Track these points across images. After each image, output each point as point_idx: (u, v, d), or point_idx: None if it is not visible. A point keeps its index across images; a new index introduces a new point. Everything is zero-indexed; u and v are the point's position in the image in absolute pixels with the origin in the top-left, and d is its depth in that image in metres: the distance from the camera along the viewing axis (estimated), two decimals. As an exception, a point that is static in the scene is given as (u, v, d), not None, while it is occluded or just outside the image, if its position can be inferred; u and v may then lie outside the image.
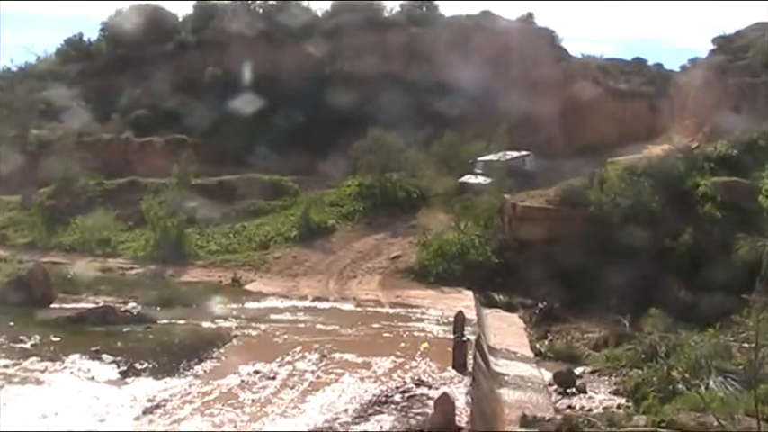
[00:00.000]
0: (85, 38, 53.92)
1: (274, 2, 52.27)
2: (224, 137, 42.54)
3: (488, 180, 36.65)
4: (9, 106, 45.70)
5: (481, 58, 44.47)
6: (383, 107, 41.73)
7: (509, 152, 40.06)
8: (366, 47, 47.81)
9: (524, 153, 40.63)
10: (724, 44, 43.13)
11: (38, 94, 46.28)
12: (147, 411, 14.94)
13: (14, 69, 52.70)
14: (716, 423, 14.13)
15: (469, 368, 17.39)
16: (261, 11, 52.18)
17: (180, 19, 53.27)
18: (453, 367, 17.21)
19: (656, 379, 18.54)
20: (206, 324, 22.17)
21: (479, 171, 38.91)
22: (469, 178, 38.66)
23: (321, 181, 40.31)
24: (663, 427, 15.97)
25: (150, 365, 17.68)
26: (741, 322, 20.49)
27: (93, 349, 18.46)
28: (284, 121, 43.31)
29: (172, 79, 46.73)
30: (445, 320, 22.05)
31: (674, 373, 18.00)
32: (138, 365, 17.64)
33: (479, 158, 39.73)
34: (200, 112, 43.78)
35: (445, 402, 13.55)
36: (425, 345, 19.52)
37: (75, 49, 52.87)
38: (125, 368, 17.48)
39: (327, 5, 53.35)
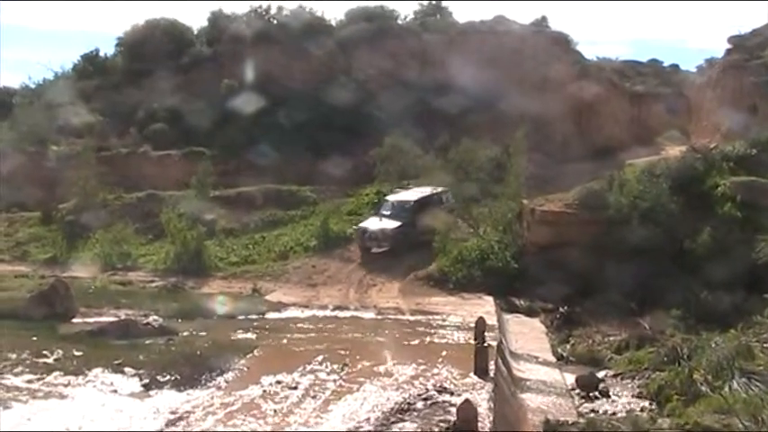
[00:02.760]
0: (102, 53, 54.29)
1: (288, 13, 52.38)
2: (238, 148, 42.67)
3: (395, 224, 33.10)
4: (28, 123, 46.13)
5: (494, 62, 44.41)
6: (395, 114, 41.64)
7: (423, 189, 35.47)
8: (379, 55, 47.85)
9: (440, 189, 35.04)
10: (740, 43, 42.86)
11: (56, 110, 46.63)
12: (169, 423, 14.99)
13: (32, 86, 53.31)
14: (740, 425, 14.03)
15: (491, 374, 17.35)
16: (275, 21, 52.29)
17: (195, 32, 53.50)
18: (475, 373, 17.17)
19: (678, 381, 18.44)
20: (227, 335, 22.23)
21: (387, 213, 34.03)
22: (371, 223, 33.92)
23: (339, 189, 40.41)
24: (687, 430, 15.89)
25: (172, 378, 17.75)
26: (763, 323, 20.45)
27: (115, 362, 18.55)
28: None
29: (187, 92, 46.94)
30: (466, 327, 22.02)
31: (697, 376, 17.89)
32: (160, 378, 17.71)
33: (388, 197, 35.70)
34: (215, 124, 43.99)
35: (467, 409, 13.51)
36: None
37: (91, 64, 53.18)
38: (147, 381, 17.55)
39: (341, 14, 53.60)
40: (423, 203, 33.98)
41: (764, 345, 19.22)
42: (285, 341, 22.09)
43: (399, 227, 32.84)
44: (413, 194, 35.33)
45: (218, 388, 17.31)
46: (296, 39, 49.15)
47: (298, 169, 41.31)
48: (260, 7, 52.56)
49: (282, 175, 41.01)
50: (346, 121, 43.37)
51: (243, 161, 42.60)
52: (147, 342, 21.21)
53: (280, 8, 52.69)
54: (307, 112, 44.49)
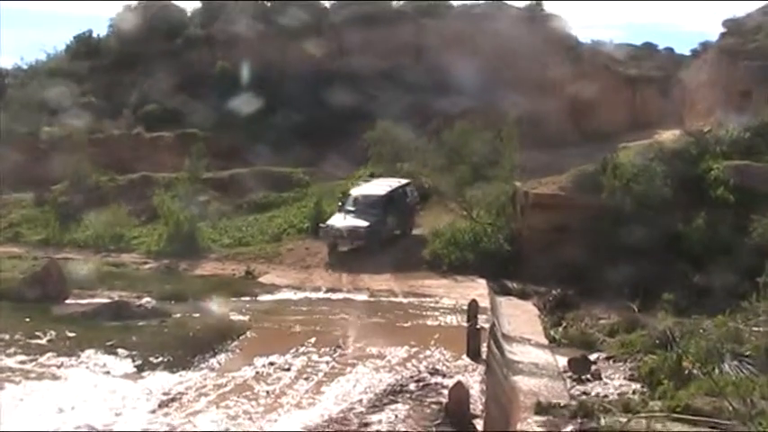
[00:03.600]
0: (95, 35, 54.00)
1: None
2: (232, 131, 42.50)
3: (361, 223, 31.22)
4: (20, 104, 45.95)
5: (488, 48, 44.25)
6: (386, 103, 41.40)
7: (388, 181, 34.53)
8: (373, 41, 47.60)
9: (404, 182, 34.08)
10: (734, 27, 42.80)
11: (48, 91, 46.45)
12: (162, 404, 15.04)
13: (25, 67, 53.07)
14: (730, 407, 14.10)
15: (484, 356, 17.42)
16: (269, 4, 52.04)
17: (188, 15, 53.25)
18: (468, 355, 17.25)
19: (669, 365, 18.54)
20: (220, 317, 22.25)
21: (352, 208, 32.03)
22: (337, 220, 31.78)
23: (330, 172, 40.35)
24: (678, 412, 15.97)
25: (165, 359, 17.79)
26: (753, 308, 20.52)
27: (108, 344, 18.59)
28: (284, 119, 43.18)
29: (181, 74, 46.78)
30: (459, 309, 22.07)
31: (686, 360, 17.97)
32: (153, 359, 17.75)
33: (351, 192, 33.56)
34: (208, 106, 43.83)
35: (460, 391, 13.58)
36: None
37: (84, 46, 52.88)
38: (140, 362, 17.59)
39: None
40: (390, 198, 32.65)
41: (754, 329, 19.28)
42: (278, 323, 22.12)
43: (370, 225, 31.14)
44: (378, 188, 33.67)
45: (211, 369, 17.36)
46: (289, 21, 48.87)
47: (294, 154, 41.11)
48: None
49: (277, 157, 40.85)
50: (340, 108, 43.13)
51: (236, 143, 42.37)
52: (140, 324, 21.24)
53: (273, -11, 52.37)
54: (301, 95, 44.29)
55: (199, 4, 53.51)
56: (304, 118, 42.50)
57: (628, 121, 45.67)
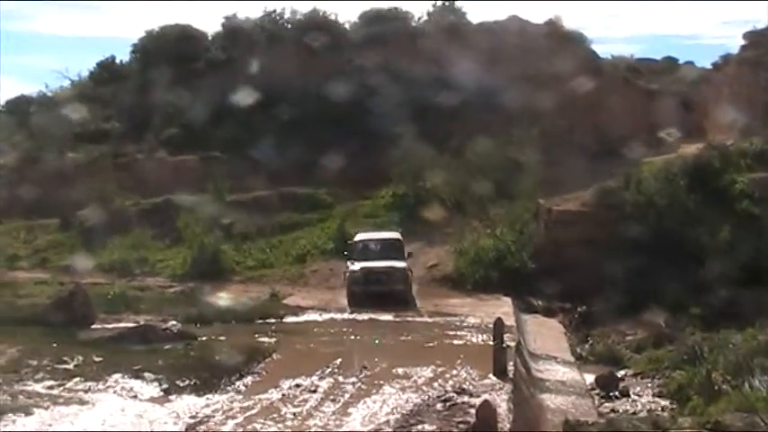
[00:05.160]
0: (117, 60, 54.51)
1: (302, 17, 52.35)
2: (250, 149, 42.56)
3: (397, 264, 27.82)
4: (45, 130, 46.36)
5: (505, 61, 44.20)
6: (401, 116, 41.37)
7: (385, 231, 31.68)
8: (392, 59, 47.64)
9: (394, 235, 30.13)
10: (755, 39, 42.61)
11: (72, 117, 46.85)
12: (190, 428, 15.01)
13: (50, 94, 53.54)
14: (762, 423, 13.97)
15: (510, 374, 17.33)
16: (289, 26, 52.29)
17: (209, 37, 53.59)
18: (494, 374, 17.15)
19: (698, 380, 18.39)
20: (246, 339, 22.27)
21: (369, 253, 28.79)
22: (361, 265, 27.96)
23: (354, 191, 40.38)
24: (708, 429, 15.82)
25: (192, 382, 17.78)
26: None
27: (135, 368, 18.59)
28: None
29: (203, 97, 47.00)
30: (484, 328, 21.99)
31: (715, 374, 17.83)
32: (179, 383, 17.74)
33: (357, 238, 30.16)
34: (231, 127, 44.08)
35: (487, 410, 13.49)
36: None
37: (107, 71, 53.38)
38: (167, 386, 17.58)
39: (354, 16, 53.42)
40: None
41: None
42: (304, 345, 22.12)
43: (406, 267, 28.12)
44: (388, 234, 30.67)
45: (238, 392, 17.34)
46: (310, 43, 49.07)
47: (311, 172, 41.15)
48: (274, 11, 52.56)
49: (294, 177, 40.90)
50: (358, 122, 43.14)
51: (252, 163, 42.41)
52: (167, 347, 21.24)
53: (294, 11, 52.65)
54: (319, 114, 44.40)
55: (219, 27, 53.83)
56: (322, 136, 42.54)
57: (648, 134, 45.48)
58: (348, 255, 29.18)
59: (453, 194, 36.20)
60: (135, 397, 17.06)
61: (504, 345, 18.02)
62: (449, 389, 16.49)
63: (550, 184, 33.56)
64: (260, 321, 25.36)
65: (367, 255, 28.63)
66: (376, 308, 26.09)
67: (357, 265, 27.98)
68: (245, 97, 45.15)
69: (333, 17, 52.34)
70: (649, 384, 20.71)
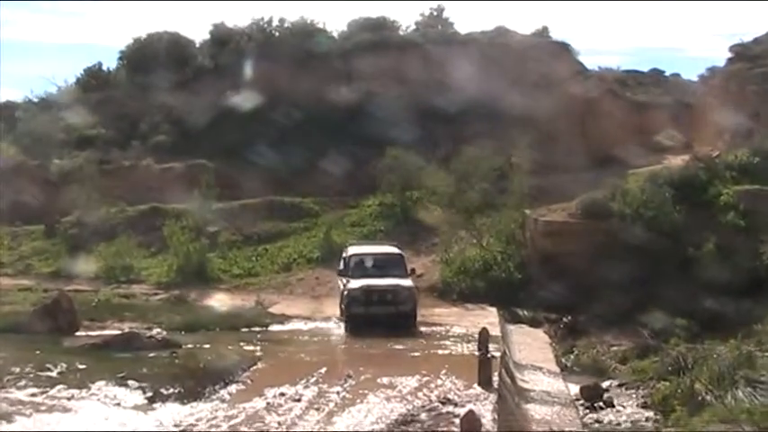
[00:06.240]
0: (104, 66, 54.46)
1: (290, 25, 52.41)
2: (241, 158, 42.55)
3: (404, 282, 24.77)
4: (31, 136, 46.22)
5: (494, 72, 44.34)
6: (395, 120, 41.42)
7: (378, 246, 28.52)
8: (381, 67, 47.74)
9: (394, 250, 27.03)
10: (742, 51, 42.87)
11: (59, 123, 46.75)
12: (173, 436, 14.96)
13: (35, 100, 53.40)
14: (745, 434, 14.01)
15: (495, 385, 17.31)
16: (277, 34, 52.35)
17: (197, 45, 53.59)
18: (479, 384, 17.14)
19: (680, 391, 18.42)
20: (230, 348, 22.20)
21: (367, 269, 25.76)
22: (359, 283, 24.54)
23: (341, 200, 40.43)
24: (692, 440, 15.86)
25: (176, 390, 17.68)
26: (765, 331, 20.42)
27: (119, 375, 18.49)
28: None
29: (191, 104, 46.98)
30: (470, 337, 21.98)
31: (698, 385, 17.86)
32: (164, 391, 17.64)
33: (352, 251, 26.78)
34: (219, 135, 44.06)
35: (471, 420, 13.45)
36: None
37: (94, 77, 53.33)
38: (151, 394, 17.48)
39: (342, 25, 53.55)
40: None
41: (767, 354, 19.18)
42: (288, 353, 22.07)
43: (413, 286, 25.47)
44: (387, 248, 27.57)
45: (222, 400, 17.26)
46: (298, 51, 49.14)
47: (301, 180, 41.23)
48: (261, 19, 52.61)
49: (284, 185, 40.93)
50: (348, 130, 43.23)
51: (243, 171, 42.41)
52: (151, 355, 21.15)
53: (282, 20, 52.73)
54: (308, 122, 44.46)
55: (207, 35, 53.86)
56: (312, 143, 42.62)
57: (635, 146, 45.65)
58: (342, 270, 26.25)
59: (440, 204, 36.19)
60: (119, 405, 16.95)
61: (490, 355, 17.98)
62: (434, 399, 16.47)
63: (538, 194, 33.62)
64: (245, 330, 25.28)
65: (365, 271, 25.67)
66: (378, 332, 22.91)
67: (355, 283, 24.67)
68: (233, 105, 45.26)
69: (321, 25, 52.47)
70: (634, 395, 20.72)
